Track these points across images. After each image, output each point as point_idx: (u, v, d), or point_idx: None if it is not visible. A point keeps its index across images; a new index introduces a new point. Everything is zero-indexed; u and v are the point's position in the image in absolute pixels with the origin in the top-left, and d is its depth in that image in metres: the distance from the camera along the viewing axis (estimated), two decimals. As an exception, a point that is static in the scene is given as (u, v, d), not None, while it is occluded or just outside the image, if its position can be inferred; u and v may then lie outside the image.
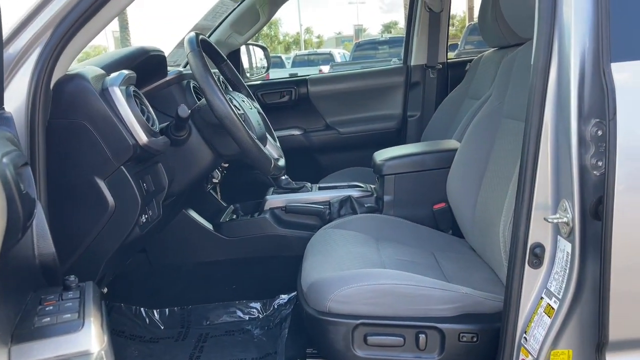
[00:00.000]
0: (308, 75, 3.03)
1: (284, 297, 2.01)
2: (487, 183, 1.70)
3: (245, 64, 3.02)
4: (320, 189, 2.17)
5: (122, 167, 1.25)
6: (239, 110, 1.52)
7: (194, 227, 1.98)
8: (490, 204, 1.63)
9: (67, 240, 1.23)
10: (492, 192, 1.65)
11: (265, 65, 3.17)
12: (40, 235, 0.89)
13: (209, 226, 2.01)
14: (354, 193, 2.08)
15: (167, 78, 1.78)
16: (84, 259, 1.26)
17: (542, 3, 1.10)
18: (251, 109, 1.64)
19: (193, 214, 2.00)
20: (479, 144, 1.77)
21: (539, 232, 1.16)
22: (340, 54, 15.94)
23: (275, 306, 2.00)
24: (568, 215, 1.09)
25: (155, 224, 1.43)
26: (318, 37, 49.62)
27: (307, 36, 43.36)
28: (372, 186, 2.35)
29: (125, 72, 1.30)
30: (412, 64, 2.89)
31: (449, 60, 2.90)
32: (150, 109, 1.39)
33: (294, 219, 2.05)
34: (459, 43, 10.46)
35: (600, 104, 1.04)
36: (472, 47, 10.10)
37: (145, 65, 1.58)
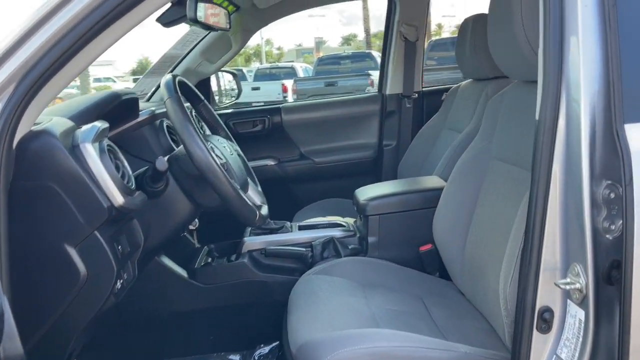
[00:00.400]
0: (281, 103, 2.95)
1: (265, 348, 1.89)
2: (477, 225, 1.65)
3: (215, 90, 2.91)
4: (300, 228, 2.08)
5: (95, 231, 1.13)
6: (221, 159, 1.42)
7: (167, 274, 1.85)
8: (481, 248, 1.58)
9: (32, 315, 1.09)
10: (482, 235, 1.60)
11: (236, 91, 3.06)
12: (7, 336, 0.77)
13: (183, 273, 1.88)
14: (336, 233, 1.99)
15: (139, 119, 1.66)
16: (52, 335, 1.13)
17: (549, 58, 1.05)
18: (232, 154, 1.54)
19: (166, 260, 1.87)
20: (466, 184, 1.73)
21: (547, 295, 1.10)
22: (302, 67, 15.92)
23: (257, 357, 1.89)
24: (581, 281, 1.03)
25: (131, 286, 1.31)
26: (279, 48, 49.73)
27: (267, 47, 43.30)
28: (353, 220, 2.28)
29: (98, 124, 1.18)
30: (387, 92, 2.84)
31: (424, 89, 2.87)
32: (126, 163, 1.27)
33: (274, 262, 1.95)
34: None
35: (612, 165, 0.99)
36: (434, 62, 10.28)
37: (117, 109, 1.46)
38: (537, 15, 1.36)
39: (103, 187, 1.11)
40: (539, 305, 1.10)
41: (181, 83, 1.46)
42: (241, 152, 1.68)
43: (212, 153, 1.32)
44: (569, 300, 1.09)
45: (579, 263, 1.04)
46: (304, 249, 1.92)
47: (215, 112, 1.70)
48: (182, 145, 1.48)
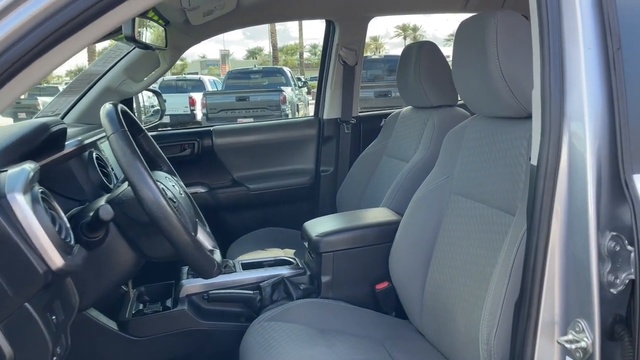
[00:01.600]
0: (212, 125, 2.75)
1: (212, 407, 1.70)
2: (438, 263, 1.59)
3: (136, 111, 2.65)
4: (244, 267, 1.90)
5: (25, 303, 0.90)
6: (174, 202, 1.22)
7: (94, 327, 1.60)
8: (446, 288, 1.52)
9: None
10: (445, 273, 1.54)
11: (159, 111, 2.82)
12: None
13: (112, 324, 1.63)
14: (285, 272, 1.84)
15: (65, 151, 1.41)
16: None
17: (550, 103, 0.98)
18: (181, 194, 1.35)
19: (91, 311, 1.61)
20: (425, 220, 1.67)
21: (543, 351, 1.03)
22: (210, 80, 15.51)
23: (201, 418, 1.68)
24: (586, 339, 0.97)
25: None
26: (182, 59, 48.44)
27: (170, 58, 41.91)
28: (293, 252, 2.15)
29: (28, 168, 0.95)
30: (324, 117, 2.74)
31: (360, 114, 2.80)
32: (61, 212, 1.04)
33: (217, 307, 1.75)
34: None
35: (618, 216, 0.94)
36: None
37: (43, 143, 1.22)
38: (515, 53, 1.32)
39: (38, 247, 0.88)
40: None
41: (123, 112, 1.25)
42: (186, 189, 1.49)
43: (165, 196, 1.12)
44: (567, 357, 1.03)
45: (582, 319, 0.98)
46: (251, 292, 1.75)
47: (157, 144, 1.49)
48: (122, 186, 1.27)
